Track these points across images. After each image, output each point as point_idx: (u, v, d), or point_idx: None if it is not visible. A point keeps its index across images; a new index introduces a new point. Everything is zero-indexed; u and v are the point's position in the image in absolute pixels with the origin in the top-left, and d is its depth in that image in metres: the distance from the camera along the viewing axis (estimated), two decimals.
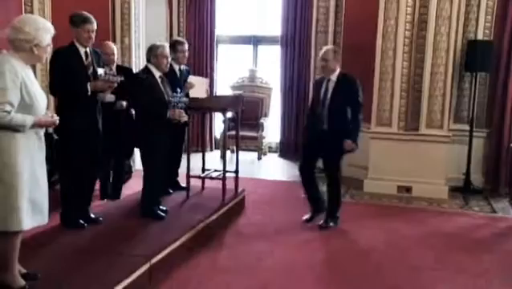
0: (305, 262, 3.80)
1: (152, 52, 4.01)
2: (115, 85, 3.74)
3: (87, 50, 3.69)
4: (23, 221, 2.53)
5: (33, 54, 2.57)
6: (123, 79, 3.85)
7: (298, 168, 4.72)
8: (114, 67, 4.82)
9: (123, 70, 4.91)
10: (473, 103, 6.03)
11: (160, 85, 4.01)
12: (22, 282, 2.64)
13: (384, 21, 5.73)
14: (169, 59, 4.12)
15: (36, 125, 2.56)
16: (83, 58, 3.66)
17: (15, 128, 2.47)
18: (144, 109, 3.91)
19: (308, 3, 7.51)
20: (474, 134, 6.02)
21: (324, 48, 4.48)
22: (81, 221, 3.70)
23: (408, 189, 5.82)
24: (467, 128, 6.04)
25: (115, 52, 4.91)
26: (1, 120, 2.41)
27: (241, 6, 8.72)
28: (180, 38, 5.29)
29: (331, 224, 4.55)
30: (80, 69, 3.62)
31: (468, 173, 6.03)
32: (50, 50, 2.70)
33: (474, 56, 5.80)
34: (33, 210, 2.58)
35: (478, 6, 5.98)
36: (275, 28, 8.25)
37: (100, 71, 3.74)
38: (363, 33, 6.21)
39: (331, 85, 4.34)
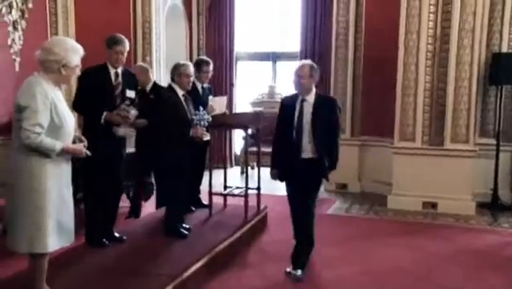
0: (328, 281, 3.75)
1: (175, 71, 4.07)
2: (132, 119, 3.73)
3: (118, 70, 3.76)
4: (49, 244, 2.57)
5: (61, 74, 2.61)
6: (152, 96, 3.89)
7: (291, 213, 4.00)
8: (148, 87, 4.90)
9: (158, 89, 4.95)
10: (499, 116, 5.95)
11: (184, 103, 4.06)
12: None
13: (405, 35, 5.72)
14: (192, 78, 4.17)
15: (64, 152, 2.60)
16: (113, 78, 3.72)
17: (44, 152, 2.51)
18: (167, 127, 3.94)
19: (327, 18, 7.54)
20: (501, 148, 5.92)
21: (300, 63, 3.84)
22: (104, 241, 3.73)
23: (434, 205, 5.73)
24: (493, 141, 5.94)
25: (140, 73, 4.97)
26: (31, 142, 2.46)
27: (260, 23, 8.81)
28: (206, 58, 5.33)
29: (299, 273, 3.72)
30: (107, 88, 3.68)
31: (495, 188, 5.91)
32: (78, 71, 2.74)
33: (499, 69, 5.74)
34: (59, 231, 2.61)
35: (502, 18, 5.94)
36: (294, 44, 8.30)
37: (130, 93, 3.79)
38: (384, 47, 6.23)
39: (308, 107, 3.71)
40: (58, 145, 2.54)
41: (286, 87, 8.59)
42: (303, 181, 3.76)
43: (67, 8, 6.56)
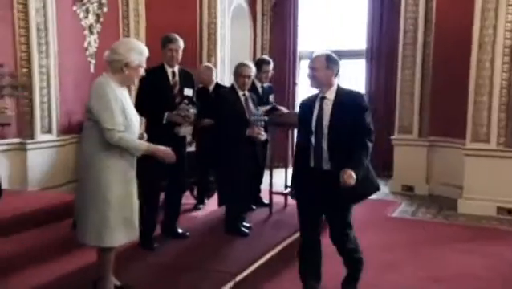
0: (391, 285, 3.59)
1: (234, 71, 4.10)
2: (192, 119, 3.73)
3: (175, 70, 3.79)
4: (115, 238, 2.63)
5: (124, 74, 2.65)
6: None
7: (300, 232, 3.30)
8: (211, 87, 5.00)
9: (219, 89, 5.01)
10: None
11: (243, 103, 4.05)
12: None
13: (480, 30, 5.37)
14: (248, 79, 4.12)
15: (149, 152, 2.67)
16: (170, 77, 3.75)
17: (131, 151, 2.60)
18: (225, 126, 3.95)
19: (395, 14, 7.27)
20: None
21: (314, 54, 3.11)
22: (155, 245, 3.64)
23: (510, 211, 5.33)
24: None
25: (204, 72, 5.07)
26: (116, 141, 2.53)
27: (324, 21, 8.64)
28: (266, 58, 5.33)
29: None
30: (166, 88, 3.70)
31: None
32: (142, 72, 2.75)
33: None
34: (125, 226, 2.66)
35: None
36: (359, 42, 8.08)
37: (188, 91, 3.78)
38: (456, 43, 5.91)
39: (328, 105, 2.95)
40: (143, 145, 2.63)
41: (350, 85, 8.41)
42: (324, 200, 2.96)
43: (138, 12, 6.82)
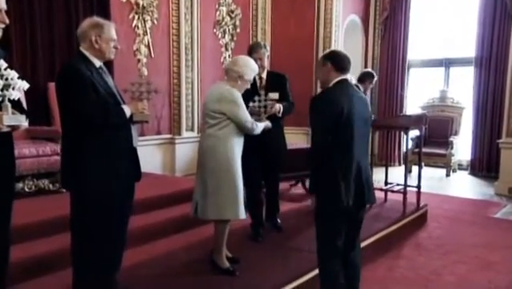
0: (485, 283, 3.19)
1: None
2: (272, 111, 3.35)
3: (262, 75, 3.55)
4: (242, 212, 2.75)
5: (237, 83, 2.81)
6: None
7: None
8: None
9: None
10: None
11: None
12: (227, 264, 2.82)
13: None
14: None
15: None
16: (258, 83, 3.50)
17: (261, 132, 2.93)
18: None
19: (507, 22, 6.40)
20: None
21: None
22: (259, 238, 3.48)
23: None
24: None
25: None
26: (254, 129, 2.83)
27: (434, 30, 7.92)
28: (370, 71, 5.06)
29: None
30: (251, 92, 3.26)
31: None
32: (244, 83, 2.86)
33: None
34: (243, 204, 2.79)
35: None
36: (468, 49, 7.25)
37: (273, 95, 3.41)
38: None
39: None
40: (264, 125, 2.99)
41: (459, 92, 7.62)
42: None
43: (264, 30, 7.02)
